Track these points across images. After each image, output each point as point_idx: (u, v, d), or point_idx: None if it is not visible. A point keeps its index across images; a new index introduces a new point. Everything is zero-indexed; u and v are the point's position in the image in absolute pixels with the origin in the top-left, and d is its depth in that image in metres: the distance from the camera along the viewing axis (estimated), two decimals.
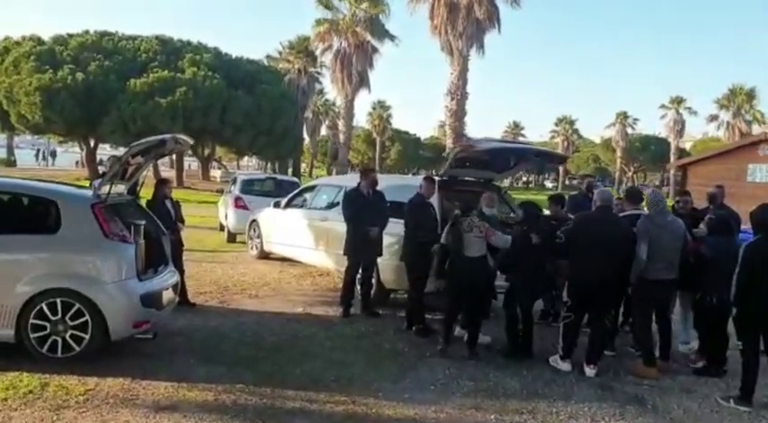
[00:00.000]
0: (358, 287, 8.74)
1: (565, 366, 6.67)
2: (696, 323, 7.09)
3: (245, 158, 75.17)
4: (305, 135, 69.78)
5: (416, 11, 28.30)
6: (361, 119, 76.59)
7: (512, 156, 9.37)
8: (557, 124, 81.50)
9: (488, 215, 7.13)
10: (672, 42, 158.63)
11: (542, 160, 10.18)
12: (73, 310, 5.82)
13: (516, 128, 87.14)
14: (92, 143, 39.19)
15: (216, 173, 54.76)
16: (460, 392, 5.89)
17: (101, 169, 40.13)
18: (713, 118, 58.44)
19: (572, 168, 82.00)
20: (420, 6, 28.01)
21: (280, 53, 48.30)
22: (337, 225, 9.61)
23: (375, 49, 35.31)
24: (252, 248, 13.02)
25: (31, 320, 5.81)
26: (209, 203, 24.94)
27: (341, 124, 38.32)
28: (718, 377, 6.64)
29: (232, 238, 15.27)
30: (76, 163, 60.02)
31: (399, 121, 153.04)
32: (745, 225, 7.09)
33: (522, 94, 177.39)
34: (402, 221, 8.27)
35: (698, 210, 8.14)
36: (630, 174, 78.42)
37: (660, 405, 5.86)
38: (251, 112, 35.01)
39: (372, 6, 34.47)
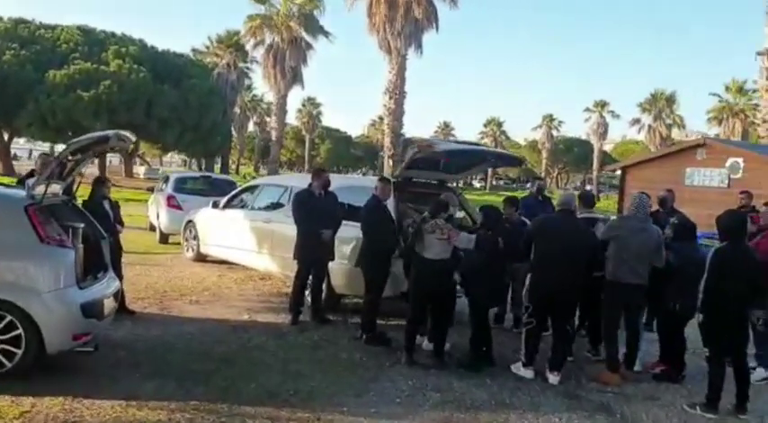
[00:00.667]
0: (307, 293, 8.40)
1: (528, 373, 6.53)
2: (658, 329, 7.08)
3: (169, 155, 73.02)
4: (233, 131, 68.75)
5: (354, 7, 27.98)
6: (291, 116, 75.81)
7: (470, 157, 9.18)
8: (485, 125, 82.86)
9: (454, 217, 6.91)
10: (595, 47, 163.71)
11: (497, 162, 10.11)
12: (3, 323, 5.25)
13: (447, 128, 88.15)
14: (5, 136, 37.09)
15: (139, 169, 52.81)
16: (428, 405, 5.64)
17: (17, 165, 38.06)
18: (636, 121, 60.67)
19: (500, 170, 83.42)
20: (359, 3, 27.70)
21: (207, 47, 47.16)
22: (282, 227, 9.24)
23: (309, 46, 34.85)
24: (188, 250, 12.42)
25: None
26: (135, 202, 23.89)
27: (273, 121, 37.62)
28: (677, 383, 6.63)
29: (164, 238, 14.57)
30: None
31: (329, 119, 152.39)
32: (699, 229, 7.14)
33: (454, 95, 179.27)
34: (353, 224, 8.01)
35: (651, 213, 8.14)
36: (555, 175, 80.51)
37: (628, 413, 5.78)
38: (178, 107, 33.92)
39: (307, 2, 33.90)
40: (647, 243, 6.47)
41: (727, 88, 50.89)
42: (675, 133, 61.93)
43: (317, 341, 7.39)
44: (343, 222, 8.23)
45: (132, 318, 7.68)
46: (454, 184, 9.86)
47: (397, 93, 27.03)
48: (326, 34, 34.37)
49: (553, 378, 6.41)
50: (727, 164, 13.08)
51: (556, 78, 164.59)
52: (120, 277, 7.24)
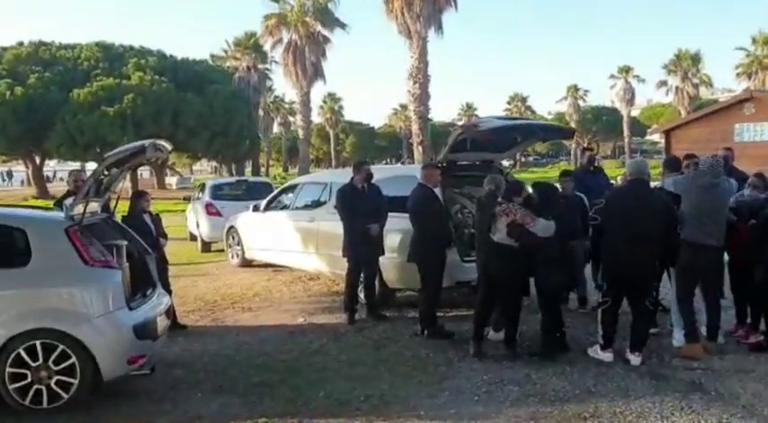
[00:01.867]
0: (360, 290, 8.08)
1: (607, 357, 6.10)
2: (738, 293, 6.63)
3: (198, 163, 73.44)
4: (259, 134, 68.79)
5: None
6: (313, 113, 75.45)
7: (517, 133, 8.73)
8: (509, 102, 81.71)
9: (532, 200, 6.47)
10: (613, 11, 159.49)
11: (546, 134, 9.59)
12: (56, 353, 5.00)
13: (469, 109, 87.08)
14: (37, 160, 37.45)
15: (171, 180, 53.14)
16: (509, 401, 5.26)
17: (64, 186, 38.42)
18: (662, 84, 58.92)
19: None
20: None
21: (226, 52, 47.04)
22: (326, 225, 8.94)
23: (327, 39, 34.44)
24: (232, 257, 12.19)
25: (8, 369, 4.98)
26: (171, 212, 23.81)
27: (298, 119, 37.32)
28: None
29: (207, 247, 14.38)
30: (21, 182, 57.56)
31: (351, 113, 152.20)
32: None
33: (475, 74, 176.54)
34: (399, 215, 7.66)
35: None
36: (586, 145, 79.12)
37: (723, 390, 5.33)
38: (203, 114, 33.86)
39: None
40: (725, 195, 6.04)
41: (753, 41, 49.25)
42: (704, 92, 60.33)
43: (378, 340, 7.06)
44: (390, 214, 7.89)
45: (185, 333, 7.44)
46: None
47: (421, 77, 26.50)
48: (343, 26, 34.00)
49: (635, 359, 5.99)
50: None
51: (576, 48, 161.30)
52: (169, 292, 7.01)
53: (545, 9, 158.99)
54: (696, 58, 57.71)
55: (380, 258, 7.98)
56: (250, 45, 41.03)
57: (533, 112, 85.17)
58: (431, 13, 25.79)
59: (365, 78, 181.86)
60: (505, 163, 9.85)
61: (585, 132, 77.58)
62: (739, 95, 16.07)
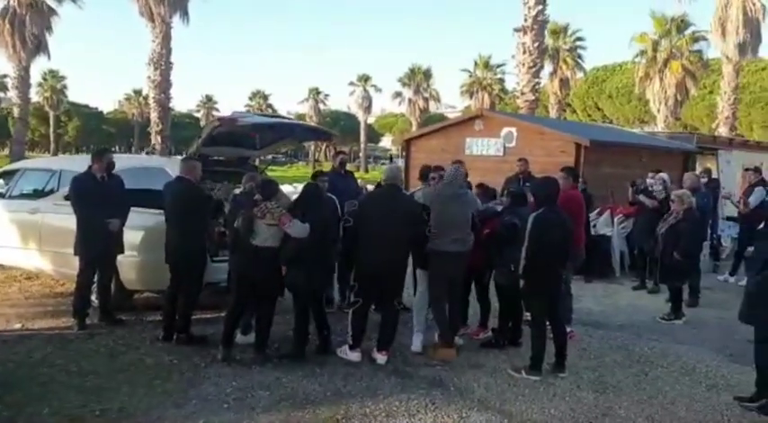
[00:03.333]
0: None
1: (354, 356, 6.23)
2: (481, 295, 7.16)
3: None
4: None
5: None
6: (31, 91, 67.39)
7: (276, 132, 8.53)
8: (251, 98, 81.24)
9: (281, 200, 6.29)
10: (359, 21, 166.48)
11: (306, 136, 9.51)
12: None
13: (210, 101, 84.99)
14: None
15: None
16: (260, 406, 5.09)
17: None
18: (397, 94, 62.91)
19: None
20: None
21: None
22: (53, 217, 7.99)
23: (53, 11, 30.91)
24: None
25: None
26: None
27: (14, 96, 33.04)
28: (500, 348, 6.73)
29: None
30: None
31: (77, 94, 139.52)
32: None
33: (218, 67, 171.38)
34: (144, 210, 7.16)
35: None
36: (323, 148, 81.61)
37: (461, 385, 5.72)
38: None
39: None
40: (464, 210, 6.47)
41: (476, 64, 54.82)
42: (432, 106, 65.66)
43: (114, 347, 6.44)
44: (132, 209, 7.27)
45: None
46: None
47: (163, 64, 25.11)
48: None
49: (381, 358, 6.20)
50: (503, 133, 13.83)
51: (321, 51, 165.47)
52: None
53: (291, 10, 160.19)
54: (428, 74, 62.63)
55: (119, 257, 7.31)
56: None
57: (274, 110, 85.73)
58: None
59: (98, 60, 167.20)
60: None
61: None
62: (472, 112, 17.74)
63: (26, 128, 35.23)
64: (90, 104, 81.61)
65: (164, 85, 24.53)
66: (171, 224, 6.57)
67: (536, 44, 21.77)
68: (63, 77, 70.82)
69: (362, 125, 68.48)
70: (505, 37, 77.66)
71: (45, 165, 10.20)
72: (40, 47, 30.54)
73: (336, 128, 78.98)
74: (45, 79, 69.27)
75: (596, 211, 11.61)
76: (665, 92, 30.64)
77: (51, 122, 71.26)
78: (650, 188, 10.21)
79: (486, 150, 13.92)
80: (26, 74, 31.78)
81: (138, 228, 7.29)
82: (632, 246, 11.13)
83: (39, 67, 75.04)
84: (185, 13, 25.68)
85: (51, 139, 71.04)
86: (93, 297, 7.34)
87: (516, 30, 21.80)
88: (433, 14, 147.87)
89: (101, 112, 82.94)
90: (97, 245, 6.97)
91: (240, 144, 8.33)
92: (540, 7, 21.61)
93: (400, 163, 17.28)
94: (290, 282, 6.15)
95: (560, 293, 6.35)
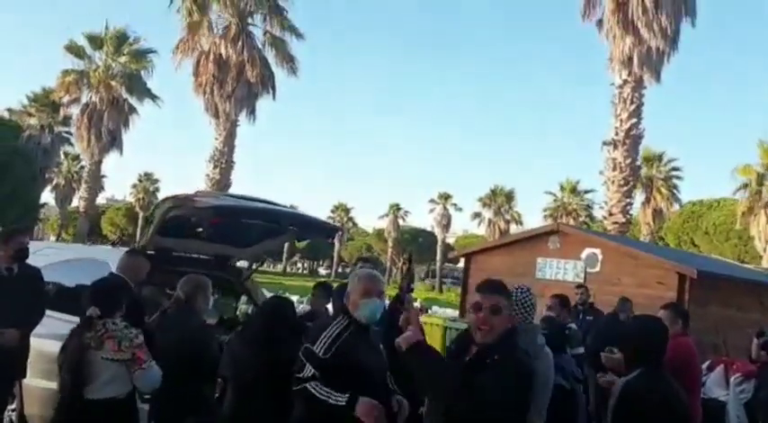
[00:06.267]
0: None
1: None
2: None
3: None
4: (52, 202, 61.61)
5: (182, 66, 25.04)
6: (125, 191, 69.42)
7: (260, 222, 6.29)
8: (333, 211, 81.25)
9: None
10: (442, 139, 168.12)
11: (306, 232, 7.17)
12: None
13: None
14: None
15: None
16: None
17: None
18: (477, 215, 61.24)
19: (345, 256, 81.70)
20: (186, 60, 24.83)
21: (25, 107, 41.94)
22: None
23: (133, 109, 31.14)
24: None
25: None
26: None
27: (82, 189, 32.99)
28: None
29: None
30: None
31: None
32: None
33: (303, 175, 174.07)
34: (67, 318, 5.07)
35: None
36: (400, 264, 79.78)
37: None
38: None
39: (133, 62, 30.52)
40: None
41: (561, 187, 52.73)
42: (513, 229, 63.35)
43: None
44: (50, 314, 5.25)
45: None
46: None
47: (224, 162, 24.06)
48: (154, 97, 30.91)
49: None
50: (584, 255, 11.33)
51: (401, 167, 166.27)
52: None
53: (376, 119, 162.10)
54: (510, 196, 60.86)
55: (24, 382, 5.22)
56: (48, 102, 36.58)
57: (355, 224, 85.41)
58: (244, 95, 23.79)
59: (177, 155, 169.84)
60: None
61: (402, 251, 78.38)
62: (545, 227, 15.24)
63: (88, 222, 35.00)
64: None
65: (222, 184, 23.38)
66: None
67: (628, 161, 19.22)
68: (157, 180, 73.11)
69: (439, 243, 66.53)
70: (594, 152, 74.85)
71: None
72: (114, 142, 30.58)
73: (414, 245, 77.59)
74: (140, 181, 71.72)
75: (705, 366, 8.87)
76: None
77: (139, 223, 72.95)
78: None
79: (563, 275, 11.38)
80: (98, 168, 31.78)
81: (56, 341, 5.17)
82: (754, 417, 8.17)
83: (139, 168, 78.08)
84: (252, 112, 24.93)
85: (138, 239, 72.46)
86: None
87: (606, 144, 19.41)
88: (519, 131, 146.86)
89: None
90: None
91: (224, 239, 6.22)
92: (634, 120, 19.29)
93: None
94: None
95: None
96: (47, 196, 58.99)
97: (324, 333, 3.41)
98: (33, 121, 39.23)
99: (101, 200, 64.44)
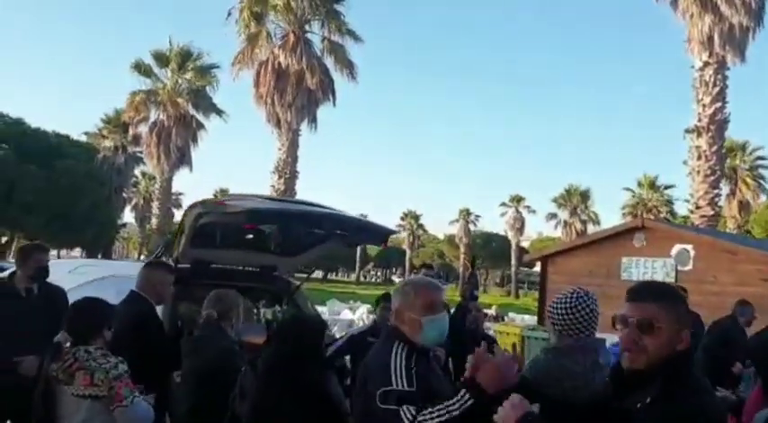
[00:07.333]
0: None
1: None
2: None
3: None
4: (132, 221, 63.42)
5: (240, 77, 25.06)
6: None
7: (308, 227, 5.64)
8: (402, 219, 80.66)
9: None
10: (512, 140, 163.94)
11: (355, 237, 6.44)
12: None
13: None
14: None
15: None
16: None
17: None
18: (552, 216, 59.43)
19: (417, 263, 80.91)
20: (245, 72, 24.84)
21: (100, 129, 43.30)
22: None
23: (200, 125, 31.47)
24: None
25: None
26: None
27: (155, 206, 33.53)
28: None
29: None
30: None
31: None
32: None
33: (371, 184, 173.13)
34: None
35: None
36: (461, 269, 78.46)
37: None
38: (45, 190, 29.48)
39: (198, 77, 30.85)
40: None
41: (639, 184, 50.58)
42: (590, 229, 61.18)
43: None
44: None
45: None
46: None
47: (288, 172, 23.84)
48: (220, 112, 31.23)
49: None
50: (674, 252, 10.22)
51: (471, 171, 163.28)
52: None
53: (442, 124, 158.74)
54: (585, 195, 58.82)
55: None
56: (119, 123, 37.50)
57: (425, 231, 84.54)
58: (304, 103, 23.51)
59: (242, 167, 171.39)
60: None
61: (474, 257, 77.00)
62: (629, 223, 14.07)
63: (162, 239, 35.46)
64: None
65: (286, 194, 23.10)
66: None
67: (713, 148, 17.81)
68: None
69: (513, 248, 64.81)
70: (674, 144, 71.27)
71: None
72: (183, 159, 30.94)
73: (487, 250, 76.01)
74: (216, 196, 73.17)
75: None
76: None
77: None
78: None
79: (651, 274, 10.30)
80: (168, 185, 32.18)
81: None
82: None
83: (213, 183, 79.09)
84: (313, 120, 24.62)
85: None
86: None
87: (688, 131, 17.99)
88: (590, 128, 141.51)
89: None
90: None
91: (264, 247, 5.64)
92: (719, 104, 17.85)
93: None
94: None
95: None
96: (128, 216, 60.87)
97: (391, 369, 2.66)
98: (107, 143, 40.41)
99: (178, 217, 66.05)
